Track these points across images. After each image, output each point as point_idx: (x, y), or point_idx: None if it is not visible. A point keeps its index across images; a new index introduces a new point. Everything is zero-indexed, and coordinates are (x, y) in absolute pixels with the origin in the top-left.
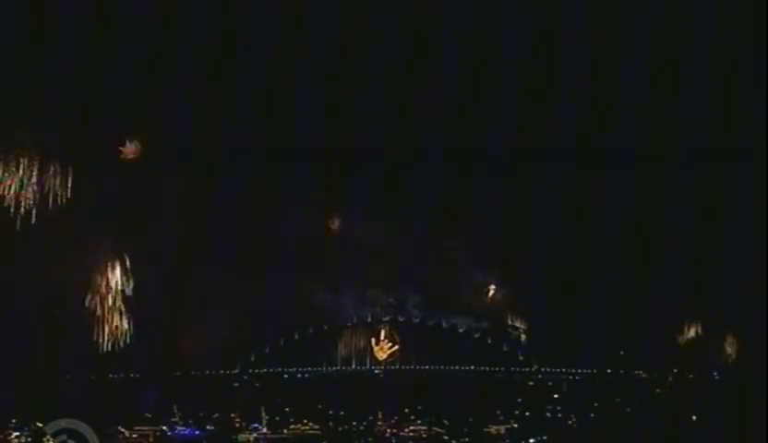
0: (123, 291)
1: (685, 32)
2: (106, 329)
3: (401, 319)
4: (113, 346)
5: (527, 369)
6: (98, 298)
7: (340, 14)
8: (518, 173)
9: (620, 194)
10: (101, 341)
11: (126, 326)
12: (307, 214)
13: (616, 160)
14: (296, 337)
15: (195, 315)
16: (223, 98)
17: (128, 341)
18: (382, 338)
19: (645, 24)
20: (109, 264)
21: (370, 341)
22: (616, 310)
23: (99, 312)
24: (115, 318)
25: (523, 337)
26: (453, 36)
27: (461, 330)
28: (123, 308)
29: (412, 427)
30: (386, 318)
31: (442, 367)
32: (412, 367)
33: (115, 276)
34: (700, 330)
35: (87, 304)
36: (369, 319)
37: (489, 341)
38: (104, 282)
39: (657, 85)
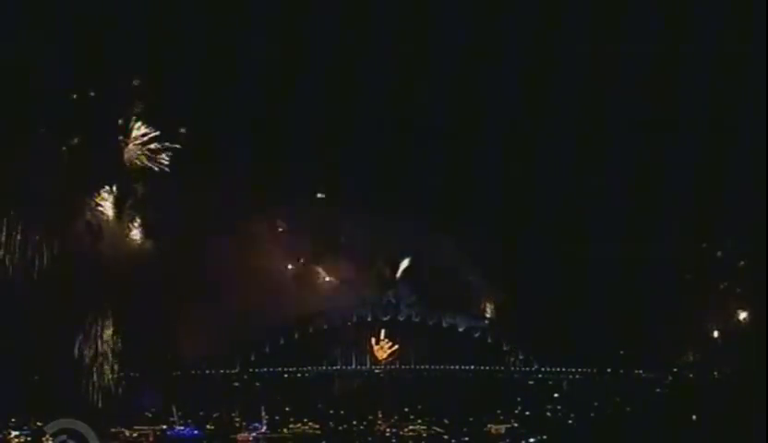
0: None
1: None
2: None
3: (401, 319)
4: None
5: (527, 369)
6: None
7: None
8: (519, 172)
9: (620, 193)
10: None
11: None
12: (306, 211)
13: (615, 159)
14: (296, 337)
15: (195, 314)
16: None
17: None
18: (382, 338)
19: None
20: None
21: (370, 341)
22: (616, 310)
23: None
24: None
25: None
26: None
27: (460, 330)
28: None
29: (412, 427)
30: (386, 318)
31: (442, 367)
32: (412, 367)
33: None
34: (700, 330)
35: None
36: (369, 319)
37: (489, 341)
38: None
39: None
